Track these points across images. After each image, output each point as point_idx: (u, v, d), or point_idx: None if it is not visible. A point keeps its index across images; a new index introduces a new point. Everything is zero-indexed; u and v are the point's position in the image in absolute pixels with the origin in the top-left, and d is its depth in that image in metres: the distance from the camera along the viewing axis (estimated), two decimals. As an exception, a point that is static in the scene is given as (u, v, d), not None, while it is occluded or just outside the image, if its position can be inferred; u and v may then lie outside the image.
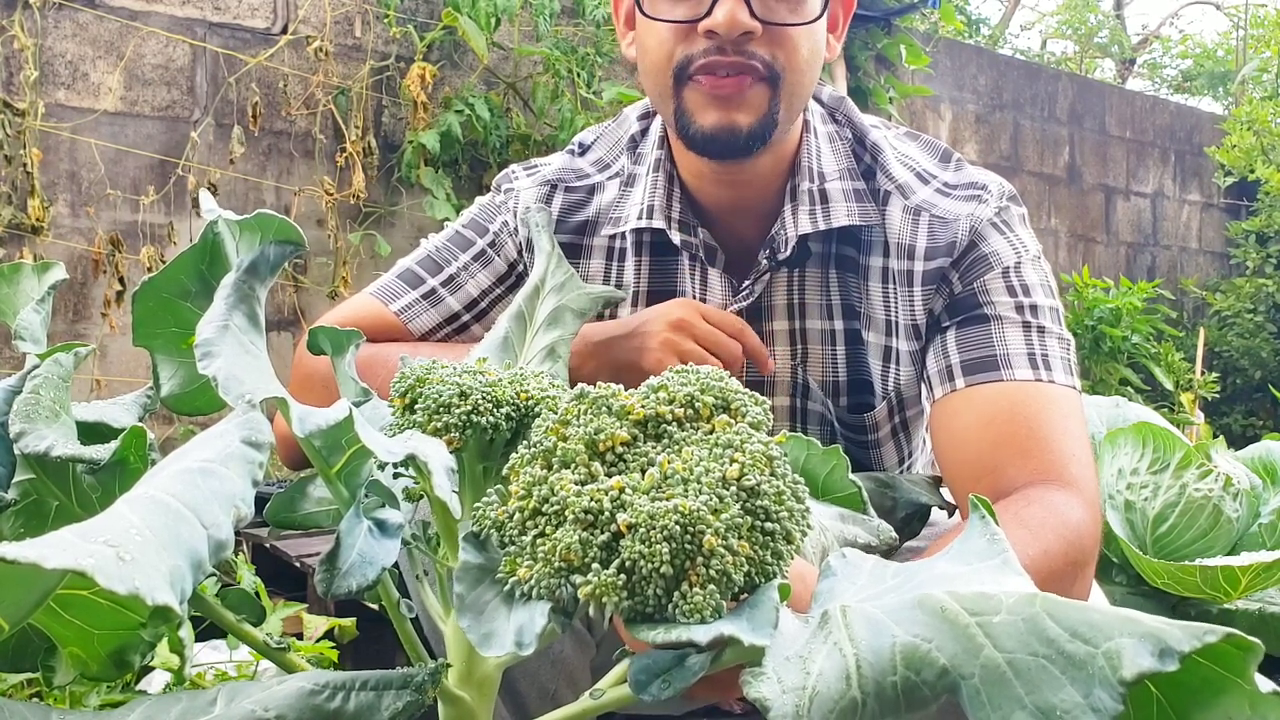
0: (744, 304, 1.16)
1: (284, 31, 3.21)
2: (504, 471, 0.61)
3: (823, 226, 1.13)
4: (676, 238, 1.16)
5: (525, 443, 0.61)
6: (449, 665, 0.64)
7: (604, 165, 1.24)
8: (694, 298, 1.18)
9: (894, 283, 1.13)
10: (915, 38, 4.32)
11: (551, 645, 1.02)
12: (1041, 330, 1.07)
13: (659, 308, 1.11)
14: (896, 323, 1.13)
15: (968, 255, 1.09)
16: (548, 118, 3.52)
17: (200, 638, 1.67)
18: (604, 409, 0.61)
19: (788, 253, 1.14)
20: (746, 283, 1.16)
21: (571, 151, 1.26)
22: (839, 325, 1.17)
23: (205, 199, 0.70)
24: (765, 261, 1.15)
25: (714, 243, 1.17)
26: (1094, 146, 5.97)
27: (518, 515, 0.57)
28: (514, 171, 1.27)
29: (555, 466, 0.59)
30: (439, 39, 3.40)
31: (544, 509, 0.57)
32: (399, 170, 3.38)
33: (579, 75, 3.44)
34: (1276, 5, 10.04)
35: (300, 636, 1.74)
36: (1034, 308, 1.08)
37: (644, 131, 1.23)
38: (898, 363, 1.14)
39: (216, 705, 0.60)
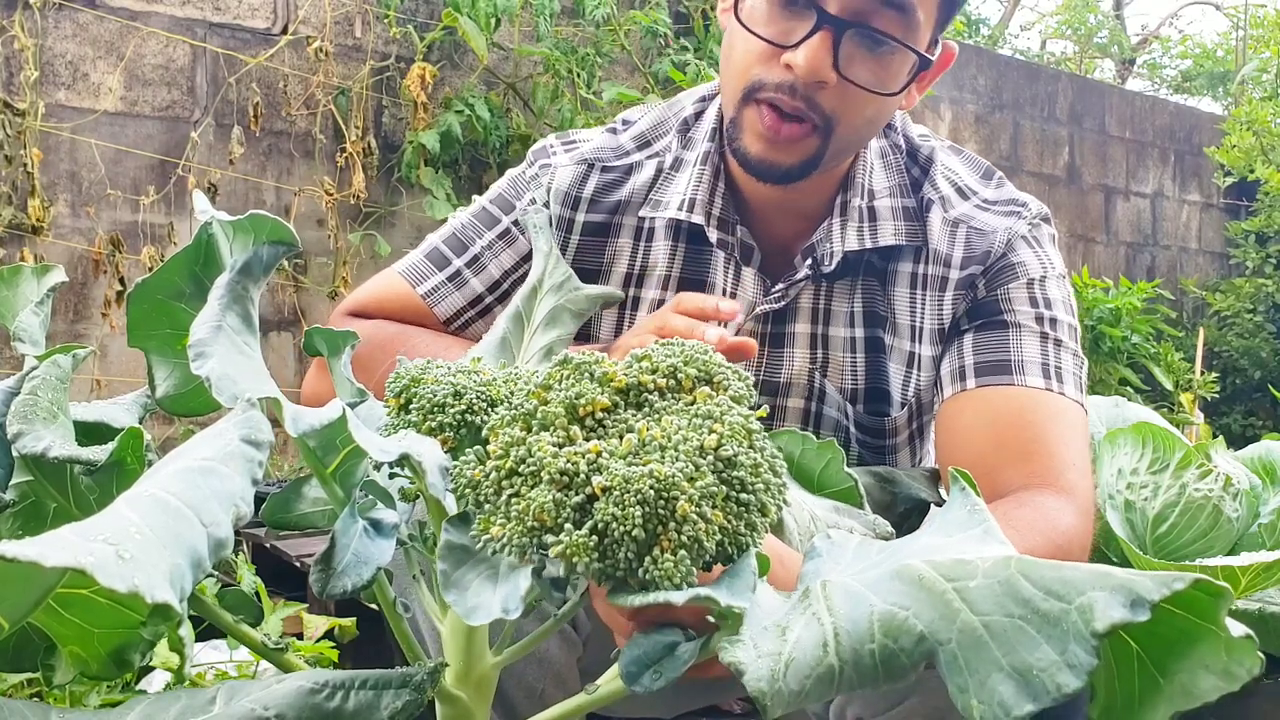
0: (774, 307, 1.15)
1: (284, 32, 3.21)
2: (483, 433, 0.61)
3: (869, 245, 1.13)
4: (714, 235, 1.15)
5: (506, 404, 0.62)
6: (446, 665, 0.64)
7: (645, 143, 1.22)
8: (724, 293, 1.17)
9: (924, 288, 1.13)
10: (915, 38, 4.32)
11: (538, 644, 1.02)
12: (1058, 344, 1.09)
13: (625, 336, 1.09)
14: (921, 328, 1.14)
15: (997, 263, 1.11)
16: (548, 118, 3.52)
17: (200, 637, 1.67)
18: (586, 375, 0.61)
19: (832, 267, 1.13)
20: (779, 286, 1.15)
21: (613, 130, 1.24)
22: (862, 333, 1.17)
23: (199, 200, 0.70)
24: (805, 271, 1.14)
25: (751, 241, 1.17)
26: (1094, 146, 5.97)
27: (494, 475, 0.57)
28: (551, 145, 1.24)
29: (534, 429, 0.59)
30: (439, 39, 3.40)
31: (520, 469, 0.57)
32: (399, 170, 3.38)
33: (579, 75, 3.44)
34: (1276, 5, 10.04)
35: (300, 636, 1.74)
36: (1054, 321, 1.09)
37: (698, 115, 1.22)
38: (919, 368, 1.14)
39: (216, 704, 0.60)
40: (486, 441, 0.60)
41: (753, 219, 1.18)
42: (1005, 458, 1.01)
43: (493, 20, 3.24)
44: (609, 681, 0.63)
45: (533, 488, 0.56)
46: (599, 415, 0.60)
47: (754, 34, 1.04)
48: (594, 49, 3.52)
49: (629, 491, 0.54)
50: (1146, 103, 6.52)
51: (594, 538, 0.54)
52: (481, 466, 0.58)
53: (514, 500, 0.56)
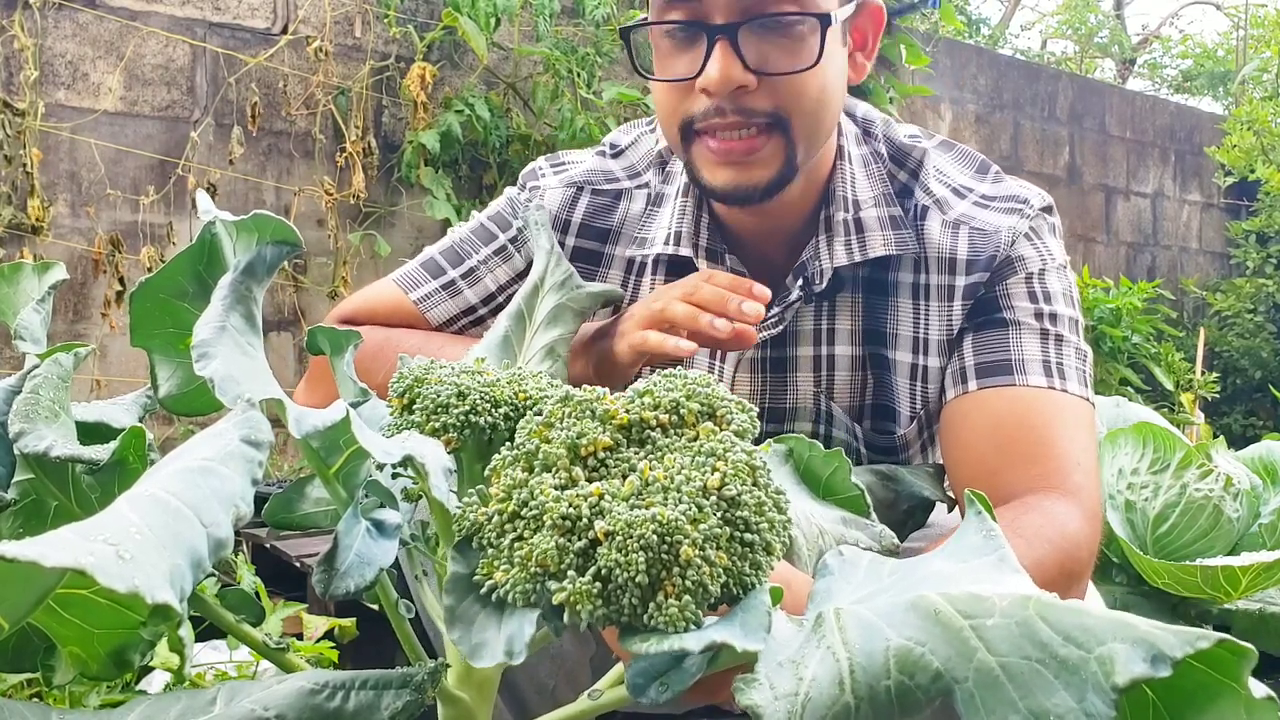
0: (772, 332, 1.14)
1: (284, 31, 3.21)
2: (486, 472, 0.61)
3: (859, 258, 1.11)
4: (703, 266, 1.14)
5: (508, 444, 0.61)
6: (448, 665, 0.64)
7: (634, 173, 1.21)
8: None
9: (927, 298, 1.11)
10: (915, 38, 4.32)
11: (551, 642, 1.01)
12: (1059, 339, 1.07)
13: (638, 305, 1.07)
14: (927, 340, 1.11)
15: (999, 264, 1.09)
16: (548, 118, 3.52)
17: (200, 638, 1.67)
18: (588, 413, 0.61)
19: (823, 285, 1.11)
20: (775, 310, 1.13)
21: (602, 153, 1.23)
22: (865, 350, 1.15)
23: (202, 200, 0.70)
24: (798, 292, 1.12)
25: (741, 268, 1.15)
26: (1094, 146, 5.97)
27: (496, 518, 0.57)
28: (541, 168, 1.24)
29: (536, 470, 0.58)
30: (439, 39, 3.40)
31: (523, 513, 0.56)
32: (399, 170, 3.38)
33: (579, 75, 3.44)
34: (1276, 5, 10.04)
35: (300, 636, 1.74)
36: (1054, 316, 1.07)
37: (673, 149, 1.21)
38: (926, 380, 1.12)
39: (216, 705, 0.60)
40: (489, 481, 0.60)
41: (739, 247, 1.16)
42: (1009, 461, 1.00)
43: (493, 20, 3.24)
44: (613, 687, 0.63)
45: (535, 532, 0.55)
46: (601, 455, 0.60)
47: (664, 80, 1.04)
48: (594, 49, 3.52)
49: (632, 537, 0.53)
50: (1147, 103, 6.53)
51: (597, 584, 0.53)
52: (484, 509, 0.58)
53: (517, 545, 0.56)
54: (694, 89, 1.01)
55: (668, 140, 1.10)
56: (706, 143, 1.03)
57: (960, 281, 1.09)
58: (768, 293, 0.99)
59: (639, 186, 1.20)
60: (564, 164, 1.24)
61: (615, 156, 1.23)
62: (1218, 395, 5.47)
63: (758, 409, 0.65)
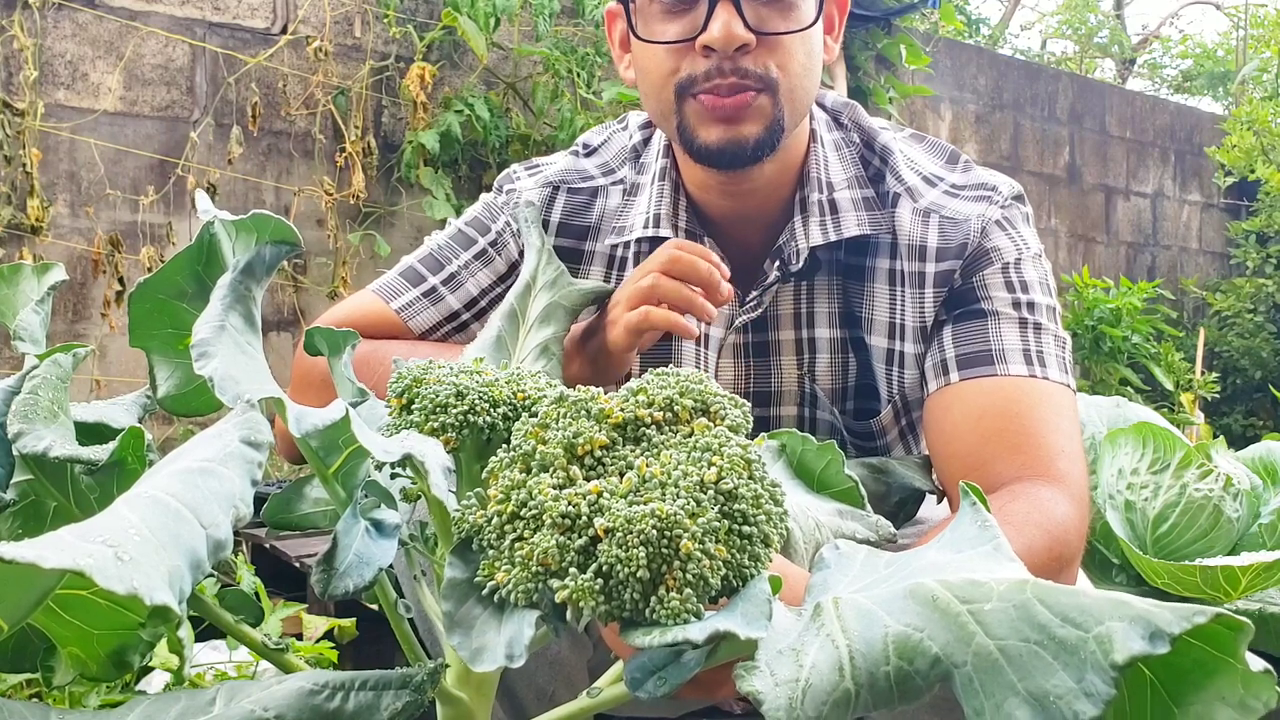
0: (751, 316, 1.15)
1: (284, 31, 3.21)
2: (483, 475, 0.61)
3: (834, 237, 1.12)
4: None
5: (505, 446, 0.61)
6: (447, 665, 0.64)
7: (609, 170, 1.23)
8: None
9: (902, 285, 1.13)
10: (915, 38, 4.32)
11: (548, 646, 1.01)
12: (1038, 327, 1.08)
13: (620, 287, 1.08)
14: (903, 325, 1.13)
15: (972, 253, 1.10)
16: (547, 118, 3.52)
17: (200, 638, 1.67)
18: (583, 412, 0.61)
19: (799, 265, 1.13)
20: (754, 294, 1.15)
21: (575, 153, 1.25)
22: (845, 333, 1.17)
23: (201, 200, 0.70)
24: (775, 273, 1.14)
25: (720, 252, 1.16)
26: (1094, 146, 5.97)
27: (496, 519, 0.57)
28: (515, 172, 1.26)
29: (534, 470, 0.59)
30: (439, 39, 3.40)
31: (522, 513, 0.56)
32: (399, 170, 3.38)
33: (579, 75, 3.44)
34: (1276, 5, 10.05)
35: (300, 637, 1.74)
36: (1031, 305, 1.09)
37: (646, 141, 1.23)
38: (902, 366, 1.14)
39: (216, 705, 0.60)
40: (487, 483, 0.60)
41: (717, 232, 1.17)
42: (994, 451, 1.01)
43: (492, 20, 3.24)
44: (612, 685, 0.63)
45: (535, 531, 0.56)
46: (597, 453, 0.60)
47: (661, 42, 1.05)
48: (594, 49, 3.52)
49: (632, 532, 0.54)
50: (1147, 103, 6.53)
51: (599, 580, 0.54)
52: (483, 510, 0.58)
53: (517, 545, 0.56)
54: (691, 51, 1.04)
55: (658, 107, 1.10)
56: (701, 100, 1.05)
57: (931, 269, 1.11)
58: (726, 270, 1.01)
59: (614, 182, 1.22)
60: (538, 166, 1.25)
61: (588, 155, 1.24)
62: (1218, 395, 5.47)
63: (743, 394, 0.65)
